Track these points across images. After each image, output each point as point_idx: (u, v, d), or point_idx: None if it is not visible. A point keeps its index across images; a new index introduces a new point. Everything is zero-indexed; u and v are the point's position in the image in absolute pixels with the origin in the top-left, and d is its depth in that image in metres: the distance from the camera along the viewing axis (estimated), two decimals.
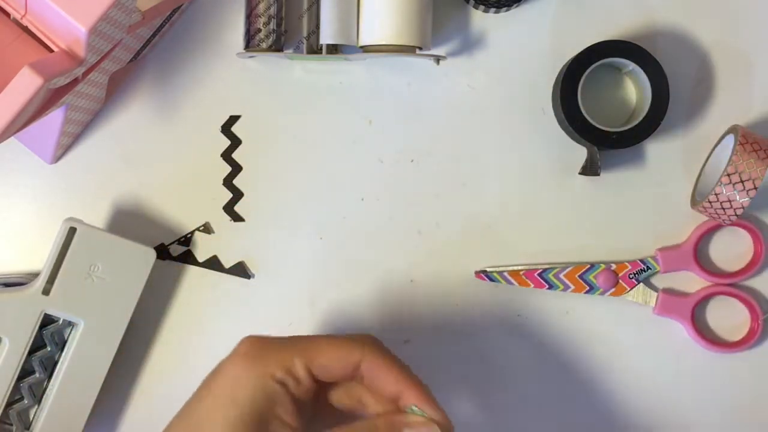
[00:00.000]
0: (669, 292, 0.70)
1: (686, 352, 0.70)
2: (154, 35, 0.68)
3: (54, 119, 0.63)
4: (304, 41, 0.68)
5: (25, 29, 0.58)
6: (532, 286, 0.69)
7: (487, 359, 0.70)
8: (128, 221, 0.69)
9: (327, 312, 0.70)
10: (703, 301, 0.71)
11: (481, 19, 0.71)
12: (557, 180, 0.70)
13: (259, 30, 0.67)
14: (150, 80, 0.70)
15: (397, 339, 0.70)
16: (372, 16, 0.67)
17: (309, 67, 0.70)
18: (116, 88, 0.69)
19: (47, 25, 0.57)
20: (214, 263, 0.70)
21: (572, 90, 0.67)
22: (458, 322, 0.70)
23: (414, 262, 0.70)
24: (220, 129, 0.70)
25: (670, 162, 0.71)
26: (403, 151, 0.70)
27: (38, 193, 0.70)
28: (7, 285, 0.66)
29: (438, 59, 0.67)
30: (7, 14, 0.59)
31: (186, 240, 0.70)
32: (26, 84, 0.53)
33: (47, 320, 0.65)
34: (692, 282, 0.71)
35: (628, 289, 0.70)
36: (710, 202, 0.66)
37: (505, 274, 0.69)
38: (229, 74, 0.70)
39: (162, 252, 0.69)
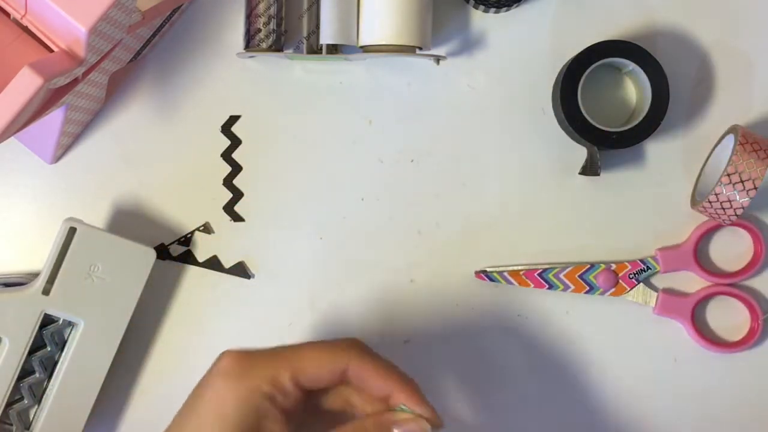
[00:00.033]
0: (669, 292, 0.70)
1: (686, 352, 0.70)
2: (154, 35, 0.68)
3: (54, 119, 0.63)
4: (304, 41, 0.68)
5: (25, 29, 0.58)
6: (532, 286, 0.69)
7: (487, 359, 0.70)
8: (128, 221, 0.69)
9: (327, 312, 0.70)
10: (703, 301, 0.71)
11: (481, 19, 0.71)
12: (557, 180, 0.70)
13: (259, 30, 0.67)
14: (150, 80, 0.70)
15: (397, 339, 0.70)
16: (372, 16, 0.67)
17: (309, 67, 0.70)
18: (116, 88, 0.69)
19: (47, 25, 0.57)
20: (214, 263, 0.70)
21: (572, 90, 0.67)
22: (458, 322, 0.70)
23: (414, 262, 0.70)
24: (220, 129, 0.70)
25: (670, 162, 0.71)
26: (403, 151, 0.70)
27: (38, 193, 0.70)
28: (7, 285, 0.66)
29: (438, 59, 0.67)
30: (7, 14, 0.59)
31: (186, 240, 0.70)
32: (26, 84, 0.53)
33: (47, 320, 0.65)
34: (692, 282, 0.71)
35: (628, 289, 0.70)
36: (710, 202, 0.66)
37: (505, 274, 0.69)
38: (229, 74, 0.70)
39: (162, 252, 0.69)
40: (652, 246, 0.71)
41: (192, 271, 0.70)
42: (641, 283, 0.70)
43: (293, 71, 0.70)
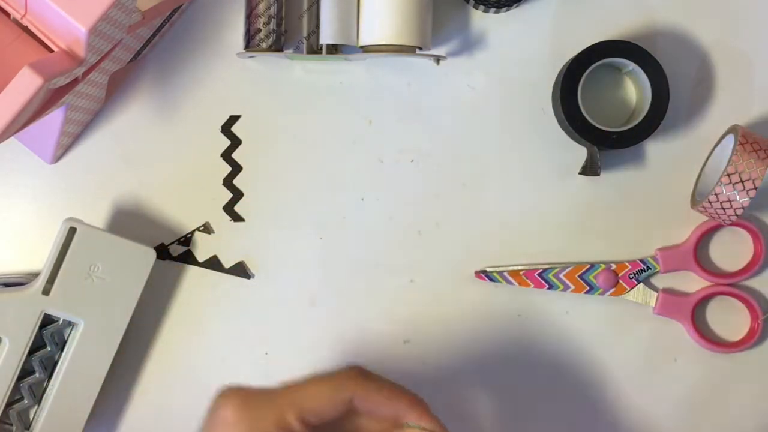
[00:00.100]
0: (669, 292, 0.70)
1: (686, 352, 0.70)
2: (154, 35, 0.68)
3: (54, 119, 0.63)
4: (304, 41, 0.68)
5: (25, 29, 0.58)
6: (532, 286, 0.69)
7: (487, 359, 0.70)
8: (128, 221, 0.69)
9: (327, 312, 0.70)
10: (703, 301, 0.71)
11: (481, 19, 0.71)
12: (557, 180, 0.70)
13: (259, 30, 0.67)
14: (150, 80, 0.70)
15: (397, 339, 0.70)
16: (372, 16, 0.67)
17: (309, 67, 0.70)
18: (116, 88, 0.69)
19: (47, 25, 0.57)
20: (214, 263, 0.70)
21: (572, 90, 0.67)
22: (458, 322, 0.70)
23: (414, 262, 0.70)
24: (220, 129, 0.70)
25: (670, 162, 0.71)
26: (403, 151, 0.70)
27: (38, 193, 0.70)
28: (7, 285, 0.66)
29: (438, 59, 0.67)
30: (7, 14, 0.59)
31: (186, 240, 0.70)
32: (26, 84, 0.53)
33: (47, 320, 0.65)
34: (692, 282, 0.71)
35: (628, 289, 0.70)
36: (710, 202, 0.66)
37: (505, 274, 0.69)
38: (229, 74, 0.70)
39: (162, 252, 0.69)
40: (652, 246, 0.71)
41: (192, 271, 0.70)
42: (641, 283, 0.70)
43: (293, 71, 0.70)
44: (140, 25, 0.63)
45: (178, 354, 0.69)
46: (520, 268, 0.70)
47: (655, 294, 0.70)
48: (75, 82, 0.60)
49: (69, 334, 0.66)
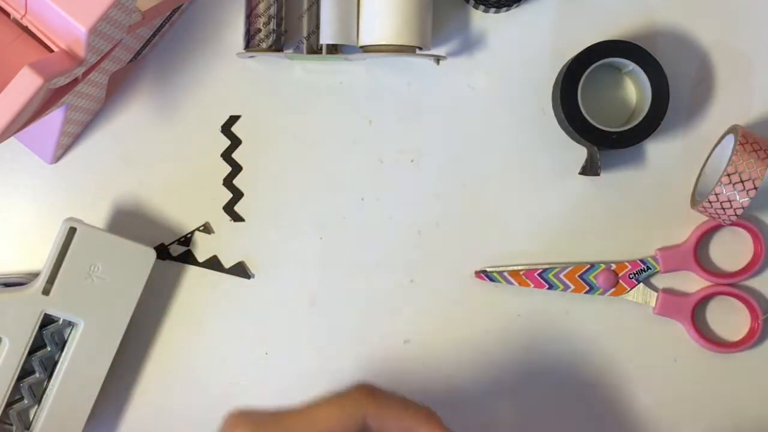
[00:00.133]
0: (669, 292, 0.70)
1: (686, 352, 0.70)
2: (154, 35, 0.68)
3: (54, 119, 0.63)
4: (304, 41, 0.68)
5: (25, 29, 0.58)
6: (532, 286, 0.69)
7: (486, 359, 0.70)
8: (128, 221, 0.69)
9: (327, 312, 0.70)
10: (703, 301, 0.71)
11: (481, 19, 0.71)
12: (557, 180, 0.70)
13: (259, 30, 0.67)
14: (150, 80, 0.70)
15: (397, 339, 0.70)
16: (372, 16, 0.67)
17: (309, 67, 0.70)
18: (116, 88, 0.69)
19: (47, 25, 0.57)
20: (214, 263, 0.70)
21: (572, 90, 0.67)
22: (458, 322, 0.70)
23: (414, 262, 0.70)
24: (220, 129, 0.70)
25: (670, 162, 0.71)
26: (403, 151, 0.70)
27: (38, 193, 0.70)
28: (7, 285, 0.66)
29: (438, 59, 0.67)
30: (7, 14, 0.59)
31: (186, 240, 0.70)
32: (26, 84, 0.53)
33: (47, 320, 0.65)
34: (692, 282, 0.71)
35: (628, 289, 0.70)
36: (710, 202, 0.66)
37: (505, 274, 0.69)
38: (229, 74, 0.70)
39: (162, 252, 0.69)
40: (652, 246, 0.71)
41: (192, 271, 0.70)
42: (641, 283, 0.70)
43: (293, 71, 0.70)
44: (140, 25, 0.63)
45: (178, 354, 0.69)
46: (520, 268, 0.70)
47: (655, 294, 0.70)
48: (75, 82, 0.60)
49: (69, 334, 0.66)
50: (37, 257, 0.69)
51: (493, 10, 0.70)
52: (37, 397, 0.65)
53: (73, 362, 0.65)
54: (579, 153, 0.70)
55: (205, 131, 0.70)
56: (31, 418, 0.66)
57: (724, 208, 0.66)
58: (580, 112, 0.67)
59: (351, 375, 0.69)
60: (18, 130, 0.56)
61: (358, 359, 0.69)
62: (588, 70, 0.67)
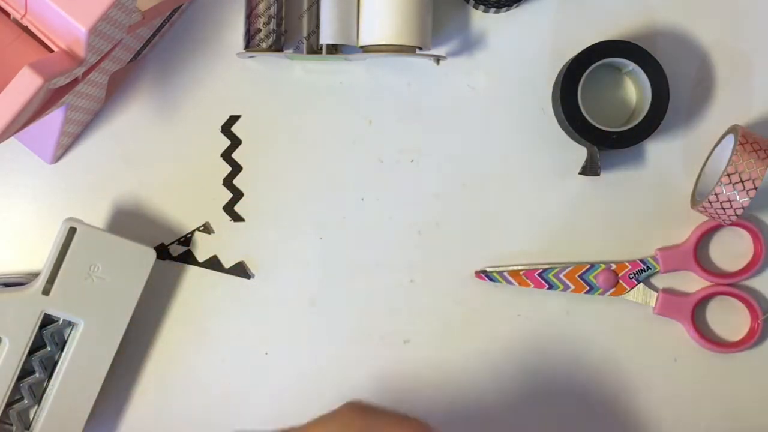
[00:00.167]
0: (669, 292, 0.70)
1: (686, 352, 0.70)
2: (154, 35, 0.68)
3: (54, 119, 0.63)
4: (304, 41, 0.68)
5: (25, 29, 0.58)
6: (532, 286, 0.69)
7: (486, 359, 0.70)
8: (128, 221, 0.69)
9: (327, 312, 0.70)
10: (703, 301, 0.71)
11: (481, 19, 0.71)
12: (557, 180, 0.70)
13: (259, 30, 0.67)
14: (150, 80, 0.70)
15: (397, 339, 0.70)
16: (372, 16, 0.67)
17: (309, 67, 0.70)
18: (116, 88, 0.69)
19: (47, 25, 0.57)
20: (214, 263, 0.70)
21: (572, 90, 0.67)
22: (458, 322, 0.70)
23: (414, 262, 0.70)
24: (220, 129, 0.70)
25: (670, 162, 0.71)
26: (403, 151, 0.70)
27: (38, 193, 0.70)
28: (7, 285, 0.66)
29: (438, 59, 0.67)
30: (7, 14, 0.59)
31: (186, 240, 0.70)
32: (26, 84, 0.53)
33: (47, 320, 0.65)
34: (692, 282, 0.71)
35: (628, 289, 0.70)
36: (710, 202, 0.66)
37: (505, 274, 0.69)
38: (229, 74, 0.70)
39: (162, 252, 0.69)
40: (652, 246, 0.71)
41: (192, 271, 0.70)
42: (641, 283, 0.70)
43: (293, 71, 0.70)
44: (140, 25, 0.63)
45: (178, 354, 0.69)
46: (520, 268, 0.70)
47: (655, 294, 0.70)
48: (75, 82, 0.60)
49: (69, 334, 0.66)
50: (37, 257, 0.68)
51: (493, 10, 0.70)
52: (37, 397, 0.65)
53: (73, 362, 0.65)
54: (579, 153, 0.70)
55: (205, 131, 0.70)
56: (31, 418, 0.66)
57: (724, 208, 0.66)
58: (580, 112, 0.67)
59: (351, 375, 0.69)
60: (18, 130, 0.56)
61: (358, 359, 0.69)
62: (588, 70, 0.67)
